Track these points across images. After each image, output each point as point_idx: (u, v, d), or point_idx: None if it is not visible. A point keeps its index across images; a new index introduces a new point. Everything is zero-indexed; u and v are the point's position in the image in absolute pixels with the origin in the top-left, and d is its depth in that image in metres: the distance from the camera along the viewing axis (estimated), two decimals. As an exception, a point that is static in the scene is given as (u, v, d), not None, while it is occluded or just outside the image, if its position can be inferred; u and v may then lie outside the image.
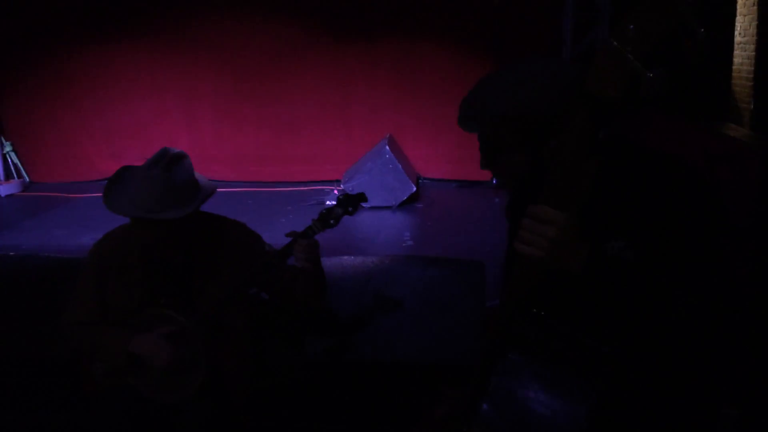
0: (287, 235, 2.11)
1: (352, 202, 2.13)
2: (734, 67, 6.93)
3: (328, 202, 6.62)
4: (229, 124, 7.69)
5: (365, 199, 2.15)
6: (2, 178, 8.01)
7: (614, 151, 1.38)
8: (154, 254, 2.22)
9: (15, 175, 8.06)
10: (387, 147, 6.45)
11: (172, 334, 2.10)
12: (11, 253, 2.84)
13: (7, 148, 8.01)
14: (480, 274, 2.57)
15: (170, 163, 2.04)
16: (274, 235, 2.31)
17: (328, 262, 2.73)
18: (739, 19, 6.84)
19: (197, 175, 2.21)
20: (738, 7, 6.82)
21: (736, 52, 6.89)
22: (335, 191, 6.84)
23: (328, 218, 2.12)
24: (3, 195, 7.54)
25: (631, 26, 1.09)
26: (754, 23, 6.46)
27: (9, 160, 8.04)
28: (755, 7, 6.44)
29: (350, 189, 6.56)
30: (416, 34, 7.11)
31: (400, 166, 6.41)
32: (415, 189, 6.57)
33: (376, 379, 2.45)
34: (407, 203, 6.59)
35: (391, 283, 2.62)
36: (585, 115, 1.19)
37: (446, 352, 2.37)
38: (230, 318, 2.23)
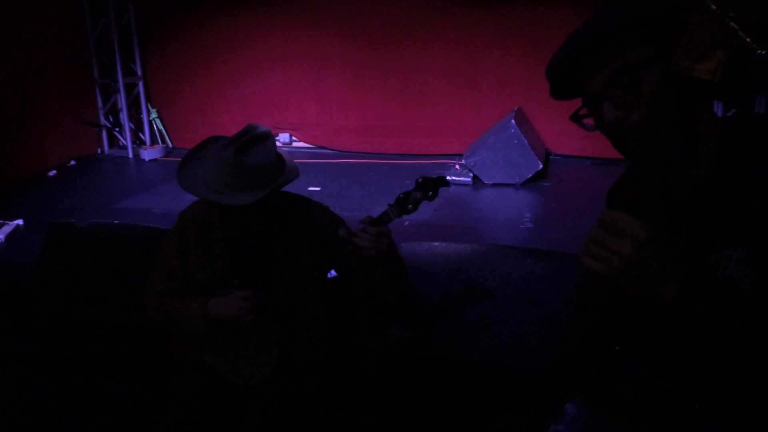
0: (361, 222, 1.96)
1: (432, 186, 1.94)
2: None
3: (448, 177, 6.42)
4: (355, 94, 7.68)
5: (446, 183, 1.95)
6: (148, 143, 8.55)
7: (737, 132, 1.07)
8: (233, 232, 2.17)
9: (159, 141, 8.58)
10: (513, 121, 6.10)
11: (250, 297, 2.02)
12: (115, 222, 2.93)
13: (153, 114, 8.51)
14: (578, 269, 2.28)
15: (247, 144, 1.95)
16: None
17: (419, 248, 2.56)
18: None
19: (285, 156, 2.11)
20: None
21: None
22: (456, 166, 6.62)
23: (405, 203, 1.94)
24: (147, 159, 8.03)
25: None
26: None
27: (155, 126, 8.56)
28: None
29: (471, 164, 6.31)
30: (550, 0, 6.66)
31: (526, 141, 6.05)
32: (541, 166, 6.19)
33: (458, 376, 2.28)
34: (533, 181, 6.23)
35: (484, 274, 2.41)
36: (673, 101, 0.92)
37: (531, 352, 2.15)
38: (306, 303, 2.14)
